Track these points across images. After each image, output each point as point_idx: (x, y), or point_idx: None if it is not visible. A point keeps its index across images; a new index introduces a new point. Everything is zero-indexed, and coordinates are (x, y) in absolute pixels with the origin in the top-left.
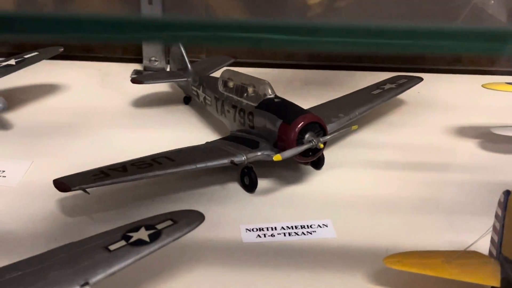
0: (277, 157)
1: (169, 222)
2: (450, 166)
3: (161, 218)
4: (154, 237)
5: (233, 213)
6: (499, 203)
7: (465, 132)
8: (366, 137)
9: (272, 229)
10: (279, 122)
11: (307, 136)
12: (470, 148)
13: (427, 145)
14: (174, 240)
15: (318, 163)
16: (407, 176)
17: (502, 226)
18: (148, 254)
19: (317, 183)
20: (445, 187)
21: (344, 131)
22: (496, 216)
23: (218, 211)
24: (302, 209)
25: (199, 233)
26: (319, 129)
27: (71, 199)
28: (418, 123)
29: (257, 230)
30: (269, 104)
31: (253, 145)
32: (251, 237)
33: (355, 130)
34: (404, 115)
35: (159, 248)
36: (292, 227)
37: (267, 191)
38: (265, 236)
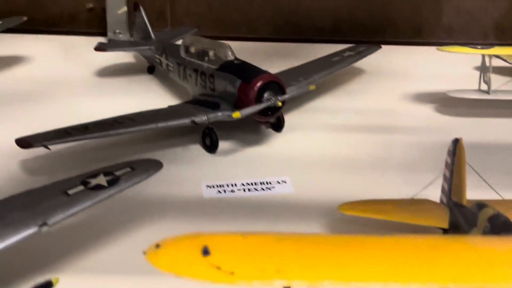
0: (236, 114)
1: (127, 169)
2: (406, 128)
3: (120, 166)
4: (113, 183)
5: (194, 173)
6: (449, 152)
7: (422, 98)
8: (326, 104)
9: (232, 185)
10: (238, 82)
11: (265, 95)
12: (426, 112)
13: (385, 110)
14: (132, 185)
15: (278, 126)
16: (365, 138)
17: (451, 173)
18: (106, 198)
19: (277, 145)
20: (400, 147)
21: (302, 90)
22: (446, 164)
23: (180, 171)
24: (262, 168)
25: (162, 191)
26: (278, 88)
27: (35, 161)
28: (377, 90)
29: (217, 186)
30: (229, 66)
31: (214, 106)
32: (212, 193)
33: (316, 96)
34: (364, 83)
35: (117, 193)
36: (251, 183)
37: (228, 152)
38: (225, 192)
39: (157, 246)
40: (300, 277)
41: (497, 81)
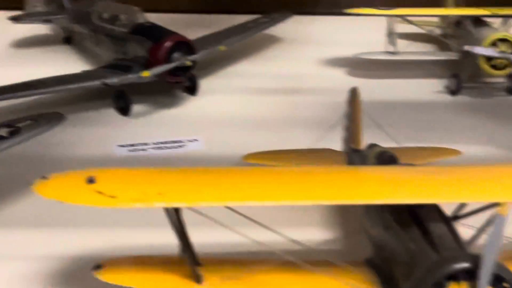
0: (146, 73)
1: (29, 122)
2: (318, 89)
3: (22, 119)
4: (14, 133)
5: (107, 134)
6: (347, 102)
7: (335, 62)
8: (241, 69)
9: (144, 144)
10: (148, 44)
11: (175, 55)
12: (338, 75)
13: (299, 74)
14: (34, 135)
15: (192, 89)
16: (278, 99)
17: (349, 121)
18: (8, 147)
19: (191, 107)
20: (312, 107)
21: (213, 51)
22: (345, 114)
23: (92, 133)
24: (175, 128)
25: (74, 151)
26: (187, 48)
27: None
28: (292, 56)
29: (129, 146)
30: (139, 29)
31: (126, 69)
32: (123, 152)
33: (232, 62)
34: (279, 50)
35: (19, 143)
36: (163, 142)
37: (142, 114)
38: (136, 150)
39: (44, 177)
40: (179, 199)
41: (404, 44)
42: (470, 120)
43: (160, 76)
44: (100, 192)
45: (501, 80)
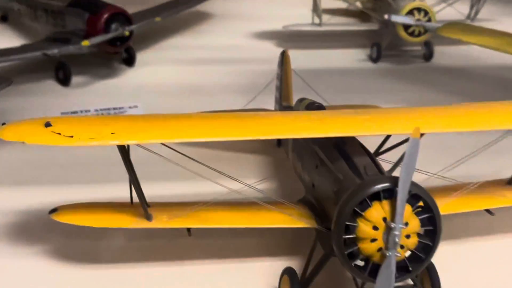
0: (85, 43)
1: None
2: (249, 59)
3: None
4: None
5: (50, 103)
6: (278, 64)
7: (264, 35)
8: (176, 42)
9: (86, 111)
10: (86, 15)
11: (113, 25)
12: (267, 46)
13: (231, 45)
14: None
15: (130, 60)
16: (212, 69)
17: (281, 82)
18: None
19: (130, 77)
20: (243, 75)
21: (149, 22)
22: (277, 76)
23: (36, 102)
24: (115, 97)
25: (18, 118)
26: (124, 19)
27: None
28: (224, 30)
29: (71, 113)
30: (77, 2)
31: (65, 41)
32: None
33: (167, 36)
34: (212, 25)
35: None
36: (104, 109)
37: (82, 85)
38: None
39: (3, 124)
40: (130, 137)
41: (328, 18)
42: (390, 84)
43: (99, 46)
44: (58, 133)
45: (418, 48)
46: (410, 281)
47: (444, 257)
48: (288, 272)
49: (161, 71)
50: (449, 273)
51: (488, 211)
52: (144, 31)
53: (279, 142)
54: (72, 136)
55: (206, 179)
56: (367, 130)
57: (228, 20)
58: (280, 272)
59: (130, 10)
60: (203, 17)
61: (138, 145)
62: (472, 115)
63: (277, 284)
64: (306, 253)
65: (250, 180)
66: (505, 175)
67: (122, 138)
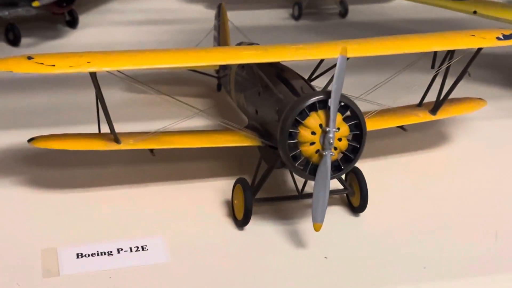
0: (36, 3)
1: None
2: (183, 20)
3: None
4: None
5: None
6: (215, 16)
7: None
8: (115, 6)
9: None
10: None
11: None
12: (199, 8)
13: (165, 9)
14: None
15: (73, 22)
16: (150, 29)
17: (218, 32)
18: None
19: (74, 38)
20: (179, 33)
21: None
22: (214, 27)
23: None
24: None
25: None
26: None
27: None
28: None
29: None
30: None
31: (14, 4)
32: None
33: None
34: None
35: None
36: None
37: (31, 45)
38: None
39: None
40: (104, 65)
41: None
42: (311, 39)
43: (47, 7)
44: (41, 63)
45: (334, 6)
46: (341, 186)
47: (368, 171)
48: (240, 181)
49: (103, 32)
50: (373, 181)
51: (402, 127)
52: None
53: (219, 87)
54: (53, 65)
55: (164, 107)
56: (303, 55)
57: None
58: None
59: None
60: None
61: (110, 72)
62: (387, 43)
63: (229, 198)
64: (253, 172)
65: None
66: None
67: (97, 65)
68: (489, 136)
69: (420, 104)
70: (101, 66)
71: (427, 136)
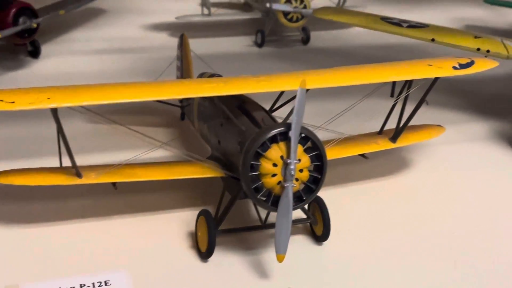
0: None
1: None
2: (147, 48)
3: None
4: None
5: None
6: (178, 46)
7: (158, 26)
8: (77, 35)
9: None
10: None
11: (21, 19)
12: (162, 36)
13: (128, 37)
14: None
15: (35, 52)
16: (113, 58)
17: (181, 62)
18: None
19: (36, 69)
20: (145, 61)
21: (53, 15)
22: (177, 57)
23: None
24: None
25: None
26: (31, 13)
27: None
28: (121, 23)
29: None
30: None
31: None
32: None
33: (69, 29)
34: (108, 18)
35: None
36: None
37: None
38: None
39: None
40: (65, 101)
41: (217, 10)
42: (274, 65)
43: (8, 38)
44: (0, 100)
45: (297, 33)
46: (304, 215)
47: (330, 198)
48: (203, 213)
49: (65, 62)
50: (336, 209)
51: (363, 155)
52: (47, 25)
53: (183, 116)
54: (13, 102)
55: (127, 142)
56: (263, 88)
57: (123, 14)
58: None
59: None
60: (100, 12)
61: (71, 107)
62: (346, 73)
63: (193, 229)
64: (217, 202)
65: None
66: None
67: (57, 101)
68: (449, 161)
69: (380, 132)
70: (61, 102)
71: (388, 162)
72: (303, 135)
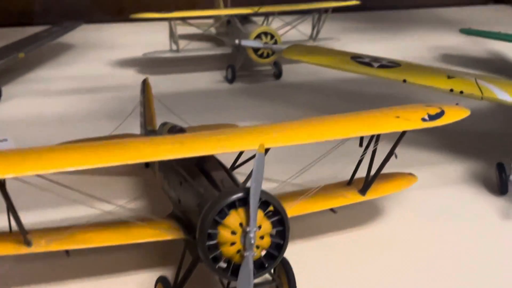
0: None
1: None
2: (113, 87)
3: None
4: None
5: None
6: (141, 91)
7: (125, 63)
8: (40, 74)
9: None
10: None
11: None
12: (129, 73)
13: (94, 75)
14: None
15: None
16: (79, 98)
17: (144, 108)
18: None
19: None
20: (110, 101)
21: (13, 57)
22: (140, 102)
23: None
24: None
25: None
26: None
27: None
28: (85, 60)
29: None
30: None
31: None
32: None
33: (31, 69)
34: (73, 55)
35: None
36: None
37: None
38: None
39: None
40: (8, 171)
41: (184, 44)
42: (245, 102)
43: None
44: None
45: (268, 67)
46: (269, 277)
47: (298, 252)
48: (161, 280)
49: (27, 103)
50: (303, 265)
51: (332, 209)
52: (8, 66)
53: (147, 163)
54: None
55: (81, 204)
56: (220, 149)
57: (89, 49)
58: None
59: None
60: (64, 48)
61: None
62: (309, 129)
63: None
64: (177, 263)
65: (123, 200)
66: (345, 176)
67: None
68: (423, 208)
69: (349, 183)
70: (4, 173)
71: (358, 211)
72: (263, 199)
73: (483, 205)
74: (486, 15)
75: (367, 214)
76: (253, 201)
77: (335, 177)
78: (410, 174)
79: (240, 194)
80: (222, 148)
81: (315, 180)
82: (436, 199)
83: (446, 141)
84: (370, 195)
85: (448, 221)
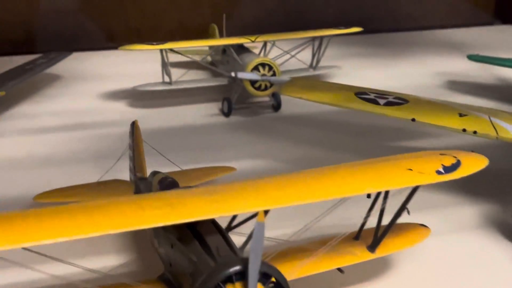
0: None
1: None
2: (102, 123)
3: None
4: None
5: None
6: (129, 134)
7: (115, 95)
8: (24, 109)
9: None
10: None
11: None
12: (119, 107)
13: (82, 109)
14: None
15: None
16: (63, 136)
17: (133, 152)
18: None
19: None
20: (97, 140)
21: None
22: (129, 146)
23: None
24: None
25: None
26: None
27: None
28: (73, 92)
29: None
30: None
31: None
32: None
33: (14, 104)
34: (60, 88)
35: None
36: None
37: None
38: None
39: None
40: None
41: (178, 74)
42: (242, 137)
43: None
44: None
45: (267, 99)
46: None
47: None
48: None
49: (9, 142)
50: None
51: (339, 269)
52: None
53: None
54: None
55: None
56: (215, 213)
57: (76, 81)
58: None
59: None
60: (50, 80)
61: None
62: (313, 186)
63: None
64: None
65: (111, 258)
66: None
67: None
68: (435, 258)
69: (357, 237)
70: None
71: (367, 266)
72: (262, 271)
73: (500, 255)
74: (492, 37)
75: (377, 268)
76: (252, 274)
77: (340, 226)
78: (423, 225)
79: (237, 268)
80: (216, 212)
81: (319, 228)
82: (451, 248)
83: (458, 180)
84: (380, 252)
85: (465, 274)
